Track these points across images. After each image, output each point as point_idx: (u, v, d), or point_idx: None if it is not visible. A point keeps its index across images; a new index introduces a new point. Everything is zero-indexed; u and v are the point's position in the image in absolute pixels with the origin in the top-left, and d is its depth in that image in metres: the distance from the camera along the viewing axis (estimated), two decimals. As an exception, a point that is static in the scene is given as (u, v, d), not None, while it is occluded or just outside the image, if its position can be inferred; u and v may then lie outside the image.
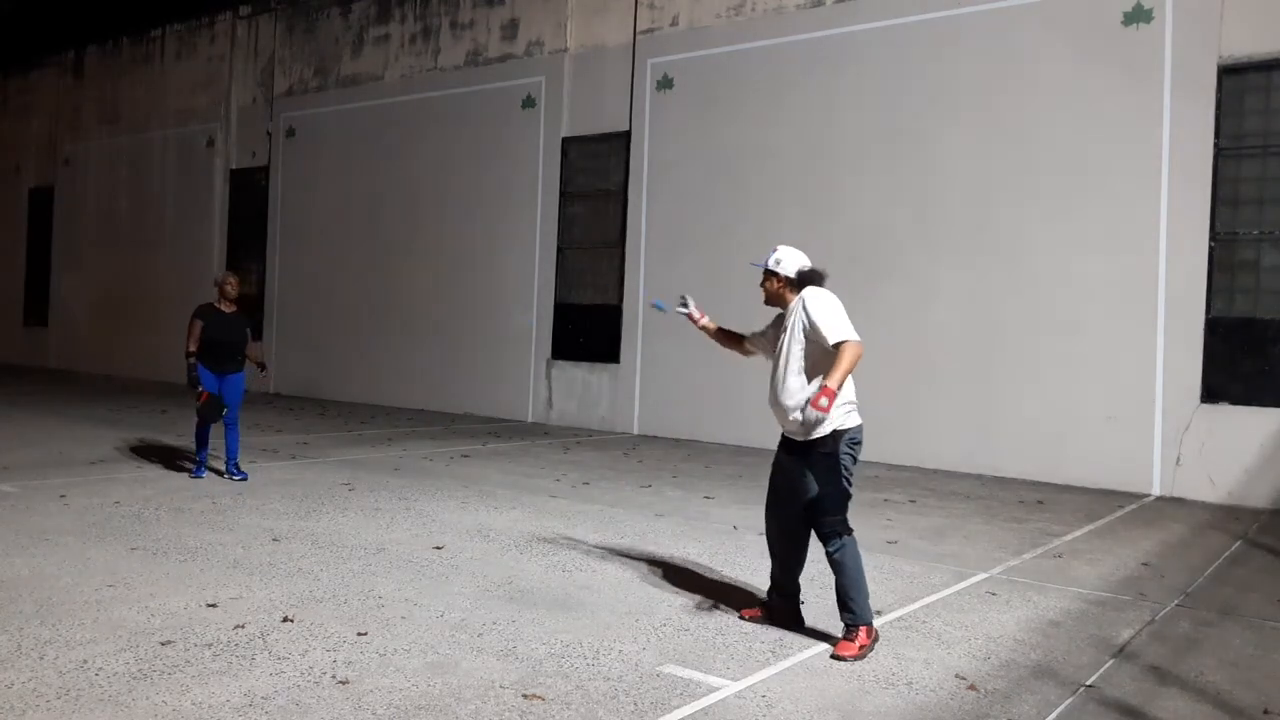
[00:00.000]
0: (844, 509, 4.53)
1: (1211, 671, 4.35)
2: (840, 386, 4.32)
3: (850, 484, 4.52)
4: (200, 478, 8.31)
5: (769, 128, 12.25)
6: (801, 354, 4.54)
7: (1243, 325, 9.38)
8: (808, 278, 4.63)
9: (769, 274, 4.71)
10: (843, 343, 4.37)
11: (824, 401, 4.24)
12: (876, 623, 4.72)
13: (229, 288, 8.37)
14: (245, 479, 8.29)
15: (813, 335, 4.47)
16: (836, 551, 4.49)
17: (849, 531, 4.52)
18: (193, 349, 8.16)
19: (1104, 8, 10.01)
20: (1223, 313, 9.46)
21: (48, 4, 20.45)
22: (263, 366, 8.66)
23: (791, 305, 4.61)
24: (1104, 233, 9.92)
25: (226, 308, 8.36)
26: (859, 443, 4.54)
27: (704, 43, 12.88)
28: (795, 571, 4.78)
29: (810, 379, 4.51)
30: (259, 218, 18.33)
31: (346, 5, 17.10)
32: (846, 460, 4.50)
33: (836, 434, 4.47)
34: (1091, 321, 9.96)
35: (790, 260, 4.66)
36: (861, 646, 4.41)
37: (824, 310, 4.45)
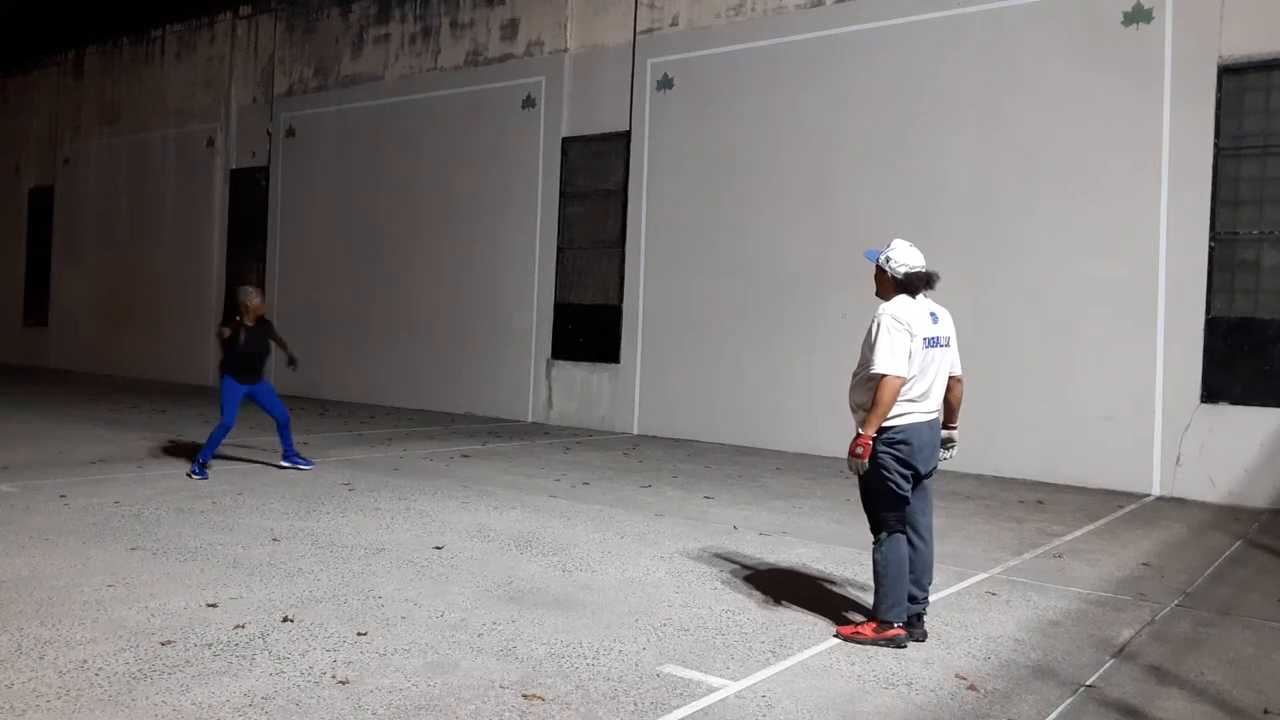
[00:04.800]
0: (876, 507, 4.58)
1: (1211, 671, 4.35)
2: (876, 429, 4.42)
3: (895, 484, 4.48)
4: (204, 479, 8.30)
5: (769, 128, 12.25)
6: (861, 363, 4.59)
7: (1243, 325, 9.37)
8: (908, 283, 4.57)
9: (878, 269, 4.65)
10: (881, 377, 4.39)
11: (859, 450, 4.43)
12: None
13: (255, 304, 8.68)
14: (312, 466, 9.10)
15: (868, 352, 4.51)
16: (873, 548, 4.63)
17: (885, 529, 4.55)
18: (228, 334, 8.54)
19: (1104, 8, 10.01)
20: (1223, 313, 9.45)
21: (48, 4, 20.44)
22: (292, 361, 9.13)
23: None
24: (1104, 232, 9.92)
25: (250, 321, 8.64)
26: (904, 442, 4.46)
27: (704, 43, 12.88)
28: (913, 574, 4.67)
29: (863, 389, 4.54)
30: (259, 218, 18.33)
31: (346, 5, 17.09)
32: (885, 459, 4.47)
33: (893, 432, 4.48)
34: (1091, 321, 9.96)
35: (900, 259, 4.58)
36: (856, 632, 4.53)
37: (880, 334, 4.45)
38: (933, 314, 4.60)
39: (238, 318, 8.61)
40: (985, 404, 10.48)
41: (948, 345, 4.64)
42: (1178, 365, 9.49)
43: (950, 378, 4.68)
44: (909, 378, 4.43)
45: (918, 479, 4.58)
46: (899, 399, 4.44)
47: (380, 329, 16.29)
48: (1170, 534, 7.64)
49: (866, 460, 4.43)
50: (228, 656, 4.03)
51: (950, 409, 4.76)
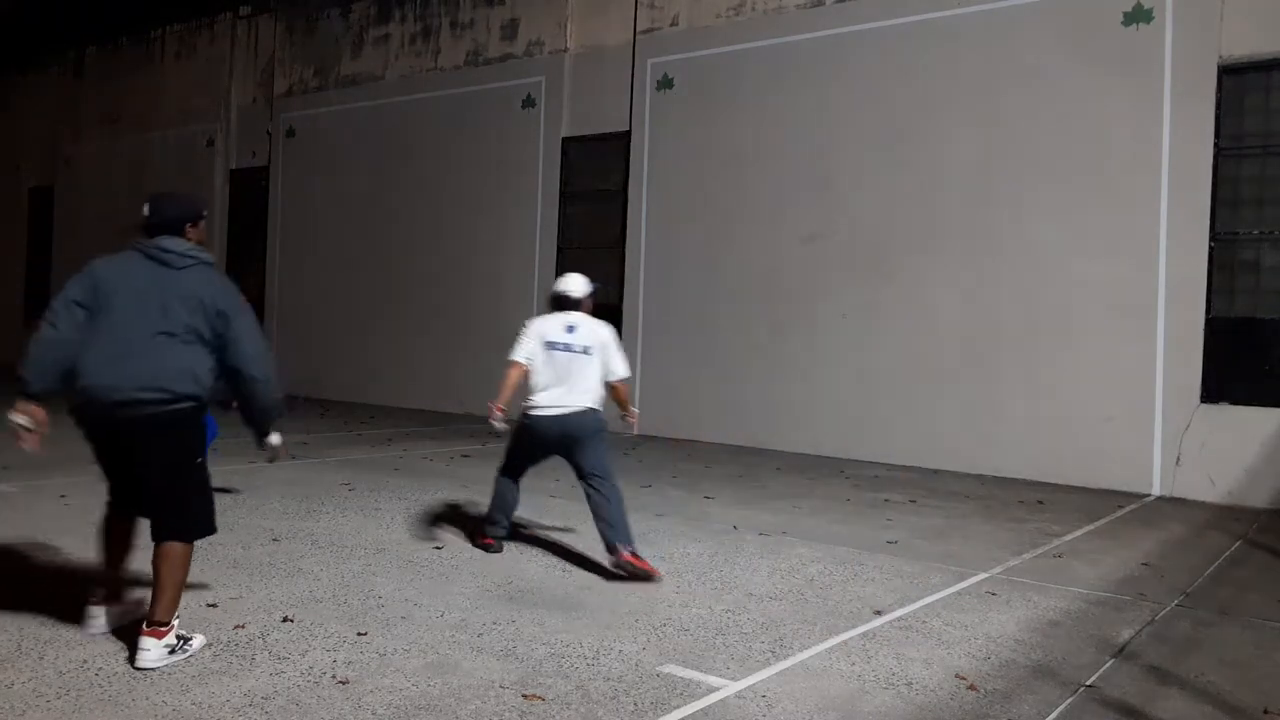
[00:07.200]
0: (506, 453, 6.01)
1: (1211, 671, 4.35)
2: (501, 401, 5.63)
3: (520, 448, 5.92)
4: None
5: (769, 128, 12.25)
6: None
7: (1243, 325, 9.37)
8: (550, 302, 5.86)
9: None
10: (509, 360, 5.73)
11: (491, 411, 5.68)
12: (876, 622, 4.87)
13: None
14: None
15: None
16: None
17: (500, 470, 6.08)
18: None
19: (1104, 8, 10.01)
20: (1223, 313, 9.45)
21: (48, 4, 20.43)
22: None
23: None
24: (1104, 233, 9.92)
25: None
26: (530, 427, 5.70)
27: (704, 43, 12.88)
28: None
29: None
30: (259, 218, 18.33)
31: (346, 5, 17.09)
32: (519, 429, 5.82)
33: (525, 415, 5.71)
34: (1091, 321, 9.96)
35: (554, 286, 5.89)
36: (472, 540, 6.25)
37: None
38: (569, 326, 5.66)
39: None
40: (985, 404, 10.50)
41: (586, 354, 5.63)
42: (1178, 365, 9.49)
43: (608, 383, 5.73)
44: (529, 369, 5.64)
45: (566, 452, 5.64)
46: (539, 393, 5.60)
47: (380, 329, 16.29)
48: (1170, 534, 7.64)
49: (493, 421, 5.62)
50: (228, 656, 4.03)
51: (619, 403, 5.87)
